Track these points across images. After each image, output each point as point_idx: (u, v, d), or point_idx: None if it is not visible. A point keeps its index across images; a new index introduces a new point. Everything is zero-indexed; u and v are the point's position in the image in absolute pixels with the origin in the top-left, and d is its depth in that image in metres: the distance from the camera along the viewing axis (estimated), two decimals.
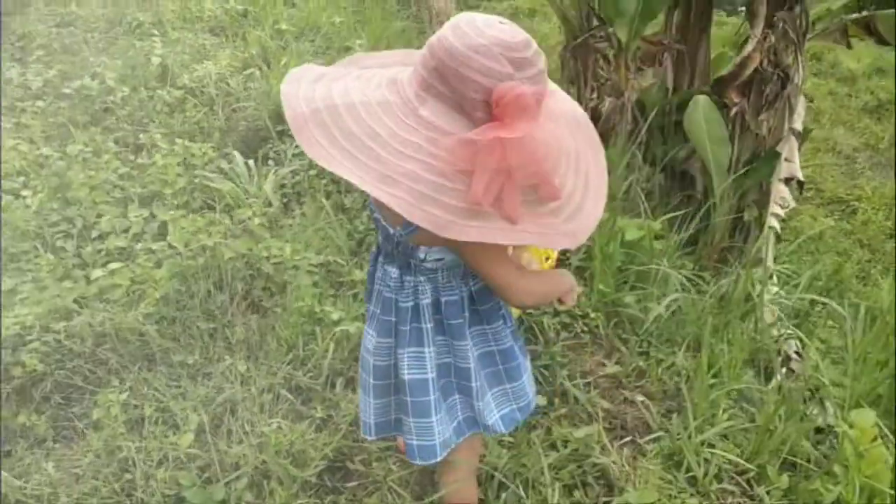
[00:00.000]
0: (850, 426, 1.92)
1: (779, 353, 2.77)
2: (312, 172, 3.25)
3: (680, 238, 2.86)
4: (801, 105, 3.58)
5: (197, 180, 3.25)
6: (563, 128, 1.20)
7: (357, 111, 1.14)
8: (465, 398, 1.45)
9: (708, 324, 2.10)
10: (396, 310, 1.37)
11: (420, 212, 1.06)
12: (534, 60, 1.07)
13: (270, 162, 3.44)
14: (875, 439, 1.79)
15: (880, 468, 1.73)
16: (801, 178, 3.50)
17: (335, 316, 2.32)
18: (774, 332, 2.75)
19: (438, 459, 1.43)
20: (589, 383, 2.14)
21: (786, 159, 3.48)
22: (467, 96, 1.07)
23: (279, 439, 1.97)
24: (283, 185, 3.27)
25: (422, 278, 1.33)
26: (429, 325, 1.36)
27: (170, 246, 2.67)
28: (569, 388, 2.06)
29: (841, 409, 2.14)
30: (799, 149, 3.59)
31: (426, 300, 1.35)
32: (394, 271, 1.36)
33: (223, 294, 2.56)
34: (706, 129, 3.57)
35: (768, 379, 2.42)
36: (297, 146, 3.38)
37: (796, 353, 2.70)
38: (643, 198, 3.02)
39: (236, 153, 3.39)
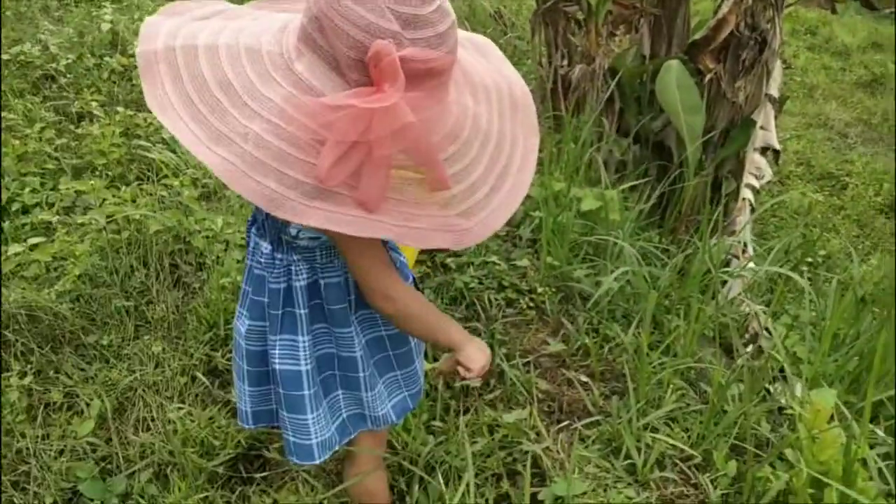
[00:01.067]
0: (804, 403, 1.76)
1: (746, 329, 2.61)
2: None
3: (642, 209, 2.69)
4: (777, 71, 3.38)
5: (136, 151, 3.07)
6: (485, 105, 1.02)
7: (216, 55, 0.95)
8: (351, 393, 1.27)
9: (653, 297, 1.92)
10: (268, 291, 1.18)
11: (250, 182, 0.86)
12: (433, 20, 0.88)
13: None
14: (831, 420, 1.63)
15: (833, 453, 1.57)
16: (778, 148, 3.32)
17: None
18: (743, 308, 2.58)
19: (318, 462, 1.26)
20: (529, 363, 1.97)
21: (762, 128, 3.29)
22: (342, 53, 0.88)
23: (186, 426, 1.80)
24: None
25: (296, 257, 1.15)
26: (303, 311, 1.17)
27: (95, 220, 2.49)
28: (506, 369, 1.89)
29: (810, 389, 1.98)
30: (776, 117, 3.40)
31: (301, 282, 1.16)
32: (265, 246, 1.17)
33: (147, 270, 2.38)
34: (679, 97, 3.38)
35: (732, 358, 2.26)
36: None
37: (766, 329, 2.54)
38: (603, 168, 2.83)
39: None
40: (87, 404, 1.91)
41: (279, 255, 1.16)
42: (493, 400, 1.85)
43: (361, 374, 1.23)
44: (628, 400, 1.76)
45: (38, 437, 1.88)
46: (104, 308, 2.25)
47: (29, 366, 2.07)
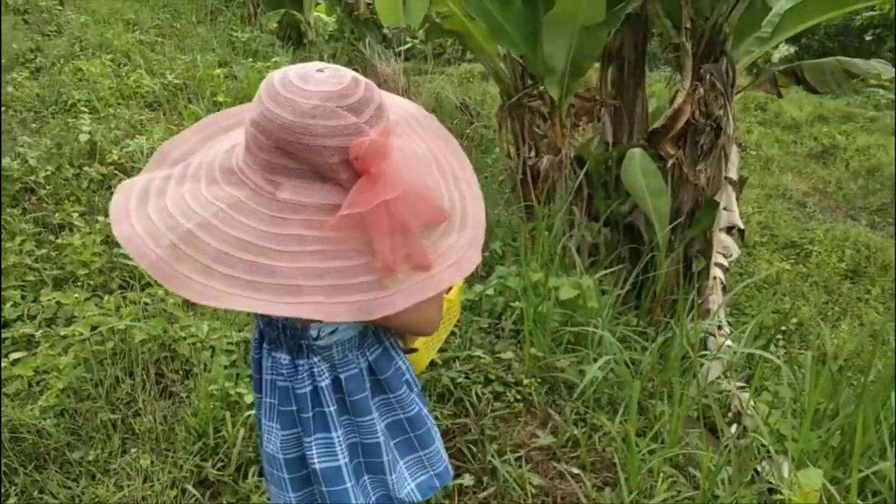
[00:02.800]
0: (792, 485, 1.79)
1: (729, 408, 2.65)
2: None
3: (619, 294, 2.76)
4: (734, 154, 3.56)
5: (117, 259, 3.09)
6: (410, 136, 1.12)
7: (213, 226, 0.99)
8: (377, 477, 1.30)
9: (636, 386, 1.96)
10: (295, 398, 1.22)
11: (341, 307, 0.96)
12: (368, 98, 0.98)
13: None
14: (819, 501, 1.66)
15: None
16: (742, 227, 3.46)
17: (250, 398, 2.15)
18: (724, 387, 2.64)
19: None
20: (521, 457, 1.99)
21: (724, 208, 3.44)
22: (323, 163, 0.96)
23: None
24: None
25: (316, 359, 1.19)
26: (332, 408, 1.22)
27: (79, 332, 2.49)
28: (497, 466, 1.90)
29: (797, 467, 2.01)
30: (737, 197, 3.55)
31: (325, 381, 1.20)
32: (284, 357, 1.21)
33: (132, 380, 2.38)
34: (644, 182, 3.52)
35: (717, 437, 2.29)
36: None
37: (750, 408, 2.58)
38: (577, 255, 2.93)
39: None
40: None
41: (300, 362, 1.20)
42: (487, 498, 1.85)
43: (385, 459, 1.27)
44: (620, 491, 1.78)
45: None
46: (89, 422, 2.23)
47: (13, 487, 2.03)
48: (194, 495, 1.95)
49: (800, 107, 10.71)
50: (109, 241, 3.26)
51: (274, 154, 0.97)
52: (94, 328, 2.48)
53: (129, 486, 1.98)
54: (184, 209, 1.02)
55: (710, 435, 2.31)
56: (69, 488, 2.01)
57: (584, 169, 3.60)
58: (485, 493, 1.86)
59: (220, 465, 2.05)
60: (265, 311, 0.95)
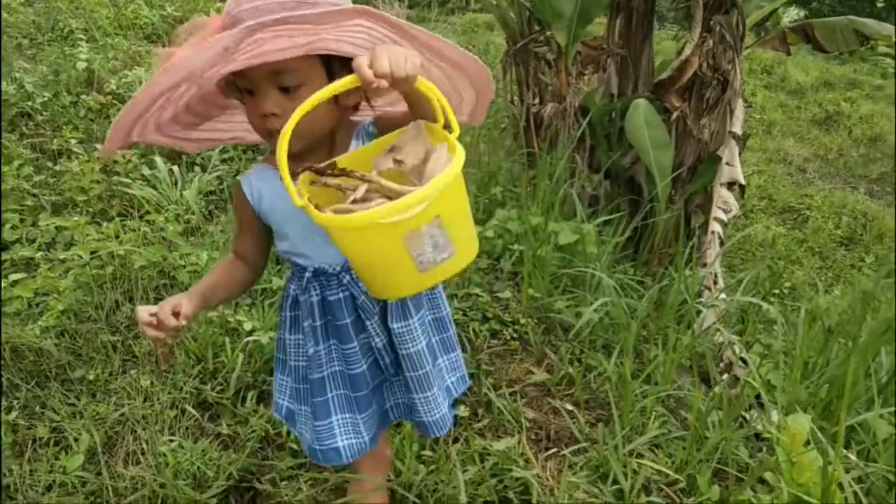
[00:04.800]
0: (781, 428, 1.83)
1: (721, 359, 2.69)
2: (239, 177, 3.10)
3: (617, 242, 2.78)
4: (740, 109, 3.54)
5: (116, 187, 3.08)
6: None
7: None
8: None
9: (633, 327, 1.99)
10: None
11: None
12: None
13: (196, 168, 3.28)
14: (807, 444, 1.70)
15: (811, 476, 1.64)
16: (743, 183, 3.46)
17: (248, 326, 2.17)
18: (716, 338, 2.67)
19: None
20: (515, 392, 2.02)
21: (727, 164, 3.43)
22: None
23: (178, 459, 1.80)
24: (207, 192, 3.11)
25: None
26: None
27: (79, 256, 2.49)
28: (493, 399, 1.94)
29: (785, 416, 2.06)
30: (740, 153, 3.54)
31: None
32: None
33: (132, 305, 2.39)
34: (647, 134, 3.50)
35: (709, 385, 2.34)
36: (223, 151, 3.25)
37: (741, 359, 2.62)
38: (578, 202, 2.93)
39: (158, 158, 3.22)
40: (76, 439, 1.91)
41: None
42: (482, 429, 1.89)
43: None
44: (613, 427, 1.82)
45: (24, 472, 1.87)
46: (90, 343, 2.25)
47: (15, 401, 2.06)
48: (193, 416, 1.98)
49: (806, 71, 10.61)
50: (108, 170, 3.25)
51: None
52: (93, 253, 2.48)
53: (129, 404, 2.01)
54: None
55: (701, 383, 2.35)
56: (71, 405, 2.04)
57: (588, 118, 3.57)
58: (479, 425, 1.90)
59: (218, 388, 2.07)
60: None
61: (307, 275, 1.26)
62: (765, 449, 1.98)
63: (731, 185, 3.48)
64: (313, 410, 1.36)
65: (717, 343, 2.64)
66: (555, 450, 1.83)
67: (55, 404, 2.04)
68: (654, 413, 1.90)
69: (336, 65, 1.10)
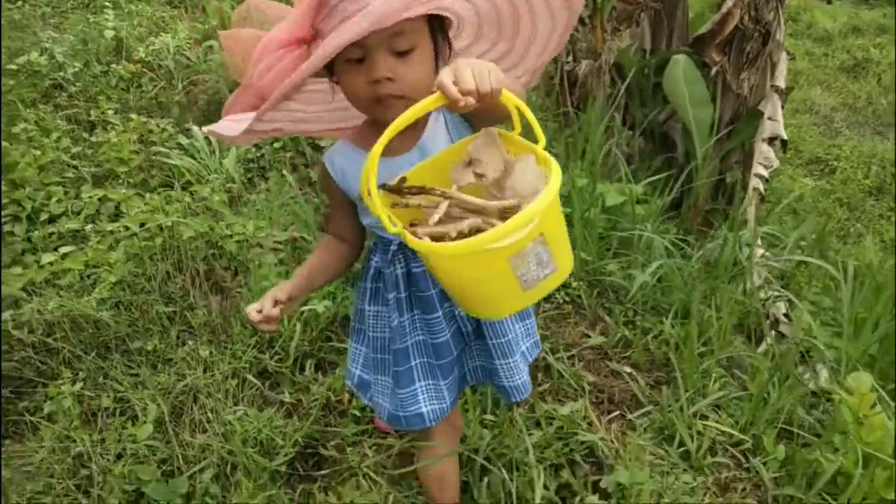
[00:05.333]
0: (847, 391, 1.83)
1: (767, 316, 2.68)
2: (276, 145, 3.09)
3: (663, 202, 2.75)
4: (782, 62, 3.46)
5: (155, 157, 3.08)
6: None
7: None
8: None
9: (696, 290, 1.98)
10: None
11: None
12: None
13: None
14: (874, 406, 1.70)
15: (880, 435, 1.64)
16: (785, 137, 3.40)
17: None
18: (762, 295, 2.65)
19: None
20: (573, 356, 2.03)
21: (769, 118, 3.37)
22: None
23: (245, 427, 1.84)
24: (246, 160, 3.11)
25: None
26: None
27: (126, 227, 2.51)
28: (552, 363, 1.94)
29: (835, 373, 2.05)
30: (782, 107, 3.47)
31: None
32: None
33: (183, 275, 2.41)
34: (686, 90, 3.44)
35: (758, 344, 2.33)
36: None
37: (785, 315, 2.61)
38: (623, 162, 2.89)
39: (195, 127, 3.21)
40: (144, 409, 1.94)
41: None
42: (543, 393, 1.90)
43: None
44: (676, 389, 1.83)
45: (95, 441, 1.91)
46: (145, 314, 2.28)
47: (79, 373, 2.09)
48: (254, 384, 2.01)
49: (834, 18, 10.34)
50: (144, 140, 3.24)
51: None
52: (142, 225, 2.49)
53: (190, 374, 2.04)
54: None
55: (750, 342, 2.34)
56: (133, 375, 2.07)
57: (629, 77, 3.51)
58: (541, 389, 1.91)
59: (276, 358, 2.10)
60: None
61: (392, 248, 1.27)
62: (821, 407, 1.98)
63: (772, 140, 3.42)
64: (395, 379, 1.37)
65: (764, 300, 2.62)
66: (617, 412, 1.84)
67: (118, 375, 2.08)
68: (713, 374, 1.90)
69: (435, 25, 1.11)
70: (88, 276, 2.45)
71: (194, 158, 3.06)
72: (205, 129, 1.19)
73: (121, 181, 2.94)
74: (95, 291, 2.34)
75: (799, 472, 1.65)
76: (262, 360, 2.07)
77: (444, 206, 0.94)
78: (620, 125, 3.68)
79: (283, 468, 1.79)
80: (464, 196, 0.95)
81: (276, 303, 1.17)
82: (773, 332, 2.52)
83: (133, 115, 3.33)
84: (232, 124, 1.15)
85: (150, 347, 2.17)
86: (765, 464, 1.68)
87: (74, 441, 1.90)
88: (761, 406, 1.77)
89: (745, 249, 3.19)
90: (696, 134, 3.45)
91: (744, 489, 1.64)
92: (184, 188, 2.91)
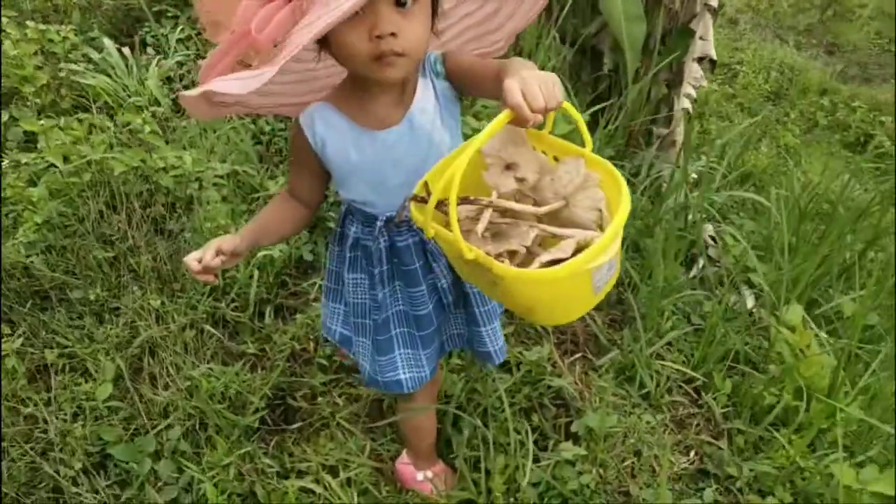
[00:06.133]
0: (784, 325, 1.98)
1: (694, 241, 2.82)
2: (202, 62, 2.86)
3: (609, 128, 2.78)
4: None
5: (62, 74, 2.80)
6: None
7: None
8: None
9: (658, 235, 2.05)
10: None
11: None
12: None
13: (150, 50, 3.00)
14: (809, 346, 1.85)
15: (817, 370, 1.81)
16: (715, 58, 3.46)
17: None
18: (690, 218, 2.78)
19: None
20: None
21: (700, 37, 3.40)
22: None
23: (212, 384, 1.80)
24: (168, 79, 2.88)
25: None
26: None
27: (44, 159, 2.30)
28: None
29: (761, 298, 2.20)
30: (713, 25, 3.51)
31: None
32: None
33: (118, 215, 2.26)
34: (621, 5, 3.41)
35: (690, 268, 2.46)
36: (181, 29, 2.97)
37: (710, 237, 2.75)
38: (569, 86, 2.88)
39: (106, 39, 2.92)
40: (96, 365, 1.87)
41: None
42: (507, 336, 1.95)
43: None
44: (635, 330, 1.92)
45: (44, 401, 1.83)
46: (82, 260, 2.14)
47: (18, 327, 1.97)
48: (214, 334, 1.96)
49: None
50: (46, 52, 2.93)
51: None
52: (65, 158, 2.29)
53: (142, 325, 1.96)
54: None
55: (683, 269, 2.46)
56: (79, 328, 1.97)
57: None
58: (505, 331, 1.96)
59: (233, 306, 2.04)
60: None
61: (378, 223, 1.24)
62: (756, 336, 2.13)
63: (701, 60, 3.48)
64: (376, 346, 1.38)
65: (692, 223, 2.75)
66: (580, 354, 1.92)
67: (61, 328, 1.97)
68: (666, 313, 2.00)
69: None
70: (7, 215, 2.26)
71: (109, 76, 2.80)
72: (191, 92, 1.03)
73: (28, 103, 2.67)
74: (20, 234, 2.17)
75: (745, 406, 1.80)
76: (219, 309, 2.01)
77: (487, 215, 0.92)
78: (559, 43, 3.63)
79: (257, 423, 1.78)
80: (514, 205, 0.93)
81: (218, 254, 1.11)
82: (701, 258, 2.67)
83: (30, 23, 2.98)
84: (228, 83, 1.02)
85: (92, 297, 2.06)
86: (715, 399, 1.82)
87: (24, 401, 1.82)
88: (711, 345, 1.90)
89: (679, 176, 3.30)
90: (629, 50, 3.45)
91: (698, 424, 1.78)
92: (100, 111, 2.68)
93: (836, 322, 2.32)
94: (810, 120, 6.90)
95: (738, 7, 8.51)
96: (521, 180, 0.94)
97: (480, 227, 0.92)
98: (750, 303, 2.31)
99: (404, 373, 1.40)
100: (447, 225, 0.87)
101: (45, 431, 1.77)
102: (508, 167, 0.95)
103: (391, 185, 1.18)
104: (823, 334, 2.10)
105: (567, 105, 0.88)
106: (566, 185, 0.93)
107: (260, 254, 2.06)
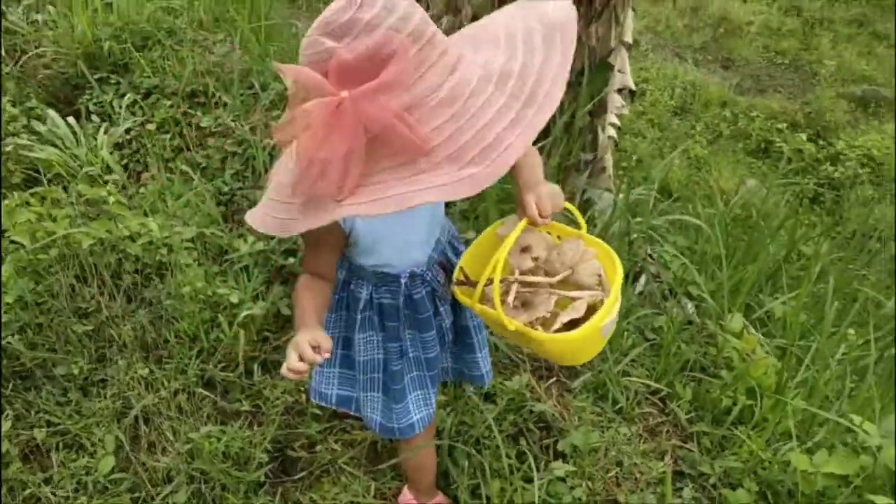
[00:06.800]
0: (728, 331, 2.20)
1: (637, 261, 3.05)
2: (151, 127, 2.92)
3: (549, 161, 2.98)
4: (629, 17, 3.75)
5: (9, 148, 2.79)
6: (505, 50, 1.07)
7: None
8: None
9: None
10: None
11: (269, 220, 1.07)
12: (356, 19, 0.97)
13: (94, 118, 3.03)
14: (754, 350, 2.08)
15: (763, 372, 2.03)
16: (633, 88, 3.74)
17: (234, 298, 2.18)
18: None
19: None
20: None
21: (619, 71, 3.68)
22: (312, 92, 0.98)
23: (212, 444, 1.87)
24: (118, 146, 2.91)
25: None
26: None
27: (11, 241, 2.31)
28: (493, 340, 2.14)
29: (710, 315, 2.43)
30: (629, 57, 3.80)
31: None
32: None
33: (90, 287, 2.29)
34: None
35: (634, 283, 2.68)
36: (127, 96, 3.02)
37: (649, 255, 2.99)
38: None
39: (50, 110, 2.94)
40: (90, 439, 1.90)
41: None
42: None
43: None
44: (602, 351, 2.10)
45: (40, 481, 1.85)
46: (60, 336, 2.16)
47: (6, 409, 1.98)
48: (207, 396, 2.02)
49: None
50: None
51: None
52: (33, 236, 2.31)
53: (133, 396, 2.00)
54: None
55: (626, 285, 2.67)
56: (67, 404, 2.00)
57: None
58: None
59: (221, 365, 2.11)
60: (248, 218, 1.11)
61: (403, 280, 1.36)
62: (699, 342, 2.34)
63: (620, 91, 3.75)
64: (391, 396, 1.50)
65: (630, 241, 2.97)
66: (555, 379, 2.08)
67: (49, 406, 1.99)
68: (625, 332, 2.20)
69: None
70: None
71: (57, 147, 2.81)
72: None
73: None
74: None
75: (707, 410, 2.00)
76: (208, 371, 2.08)
77: (514, 289, 1.09)
78: None
79: (263, 477, 1.86)
80: (534, 278, 1.10)
81: (314, 348, 1.12)
82: (643, 275, 2.89)
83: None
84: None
85: (76, 371, 2.08)
86: (679, 406, 2.02)
87: (22, 483, 1.84)
88: (670, 358, 2.10)
89: (605, 194, 3.54)
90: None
91: (667, 431, 1.97)
92: (51, 182, 2.70)
93: (769, 324, 2.58)
94: (715, 131, 7.38)
95: (639, 29, 9.04)
96: (535, 259, 1.12)
97: (510, 299, 1.10)
98: (692, 313, 2.55)
99: (416, 414, 1.53)
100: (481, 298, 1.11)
101: None
102: (524, 249, 1.13)
103: (414, 243, 1.33)
104: (760, 336, 2.34)
105: (568, 205, 1.14)
106: (571, 258, 1.12)
107: (242, 313, 2.14)
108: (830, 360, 2.23)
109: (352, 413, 1.63)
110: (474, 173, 0.95)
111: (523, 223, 1.11)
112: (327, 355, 1.14)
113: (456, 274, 1.27)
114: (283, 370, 1.12)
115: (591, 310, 1.11)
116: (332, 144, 0.94)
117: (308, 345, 1.13)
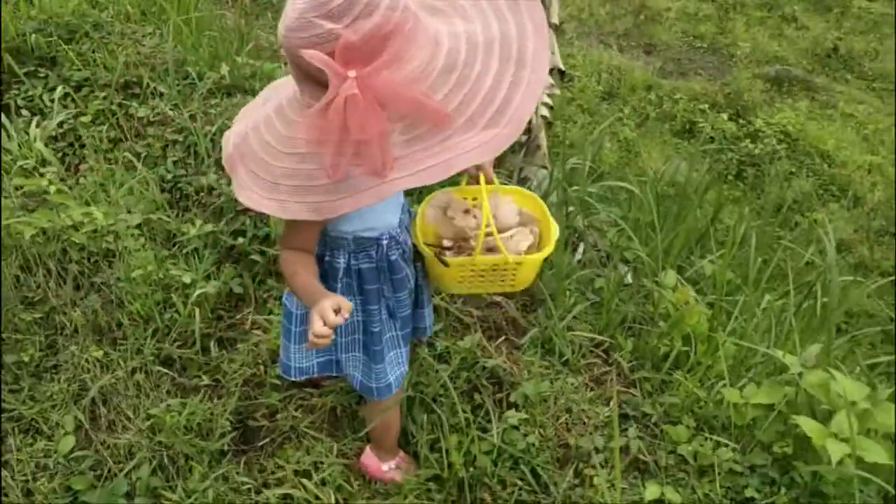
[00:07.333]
0: (663, 287, 2.35)
1: (576, 230, 3.20)
2: (85, 119, 2.89)
3: None
4: (555, 1, 3.89)
5: None
6: (479, 18, 1.13)
7: (259, 128, 1.18)
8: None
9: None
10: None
11: (297, 206, 1.09)
12: (353, 1, 1.00)
13: (24, 112, 2.97)
14: (687, 302, 2.23)
15: (696, 320, 2.18)
16: (563, 68, 3.88)
17: (186, 279, 2.20)
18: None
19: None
20: (452, 296, 2.32)
21: (551, 52, 3.81)
22: (314, 70, 1.03)
23: (174, 417, 1.89)
24: (53, 139, 2.87)
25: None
26: None
27: None
28: (444, 305, 2.22)
29: (646, 274, 2.58)
30: (557, 41, 3.93)
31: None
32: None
33: (34, 276, 2.28)
34: None
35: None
36: (60, 88, 2.97)
37: (585, 225, 3.13)
38: None
39: None
40: (46, 423, 1.90)
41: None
42: (437, 332, 2.17)
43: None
44: (547, 308, 2.21)
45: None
46: (9, 324, 2.14)
47: None
48: (166, 374, 2.04)
49: None
50: None
51: (289, 63, 1.11)
52: None
53: (89, 378, 2.01)
54: (253, 117, 1.23)
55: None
56: (19, 391, 1.99)
57: None
58: (437, 328, 2.18)
59: (177, 343, 2.13)
60: (256, 207, 1.14)
61: (384, 242, 1.43)
62: (634, 299, 2.48)
63: (550, 71, 3.89)
64: (371, 356, 1.56)
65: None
66: (504, 337, 2.18)
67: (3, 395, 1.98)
68: (567, 292, 2.32)
69: None
70: None
71: None
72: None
73: None
74: None
75: (647, 358, 2.14)
76: (164, 349, 2.10)
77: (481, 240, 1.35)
78: None
79: (225, 446, 1.90)
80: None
81: (336, 312, 1.17)
82: (581, 244, 3.03)
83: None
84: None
85: (26, 358, 2.07)
86: (621, 356, 2.15)
87: None
88: (610, 312, 2.23)
89: (541, 171, 3.67)
90: None
91: (611, 379, 2.10)
92: None
93: (700, 282, 2.76)
94: (642, 114, 7.64)
95: (563, 17, 9.26)
96: (475, 217, 1.28)
97: (479, 246, 1.33)
98: (629, 276, 2.69)
99: (391, 375, 1.60)
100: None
101: (7, 494, 1.79)
102: (466, 211, 1.31)
103: (390, 204, 1.42)
104: (693, 293, 2.50)
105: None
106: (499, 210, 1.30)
107: (196, 292, 2.16)
108: (756, 310, 2.41)
109: (333, 375, 1.70)
110: (498, 133, 1.03)
111: (489, 188, 1.35)
112: (347, 315, 1.19)
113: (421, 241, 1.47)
114: (310, 337, 1.17)
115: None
116: (361, 126, 0.99)
117: (331, 309, 1.18)
